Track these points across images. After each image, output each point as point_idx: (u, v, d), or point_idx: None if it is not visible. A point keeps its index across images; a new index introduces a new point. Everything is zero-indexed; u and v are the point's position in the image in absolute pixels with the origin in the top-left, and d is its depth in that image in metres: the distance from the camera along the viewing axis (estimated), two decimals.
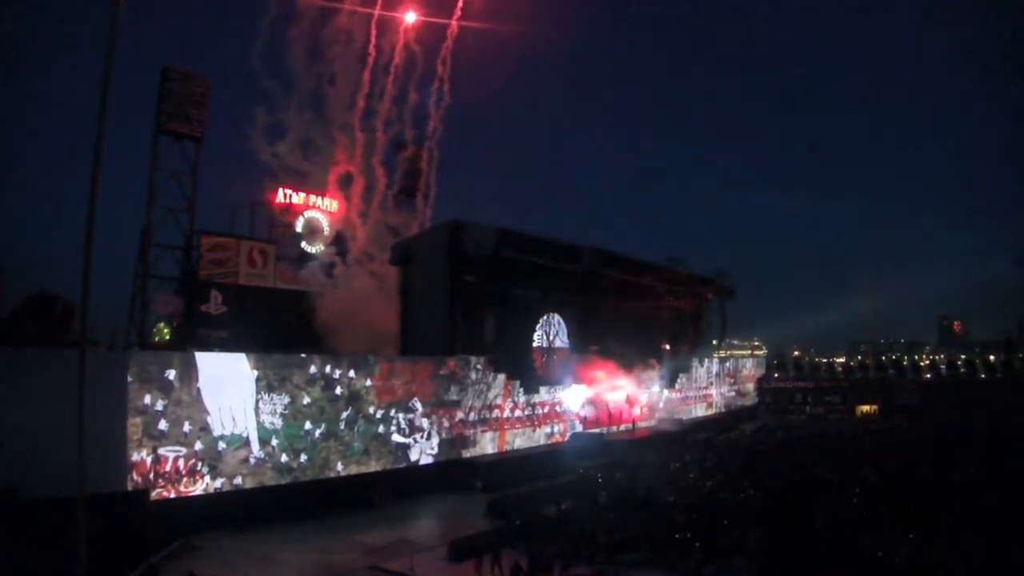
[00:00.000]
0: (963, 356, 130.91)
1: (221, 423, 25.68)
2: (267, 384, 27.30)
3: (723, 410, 66.81)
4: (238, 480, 26.09)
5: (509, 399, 39.10)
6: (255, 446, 26.70)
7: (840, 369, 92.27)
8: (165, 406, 24.20)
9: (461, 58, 48.71)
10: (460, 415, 35.74)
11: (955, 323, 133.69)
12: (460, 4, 46.99)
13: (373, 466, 30.88)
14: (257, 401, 26.90)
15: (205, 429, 25.22)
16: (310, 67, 43.21)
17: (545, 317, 46.56)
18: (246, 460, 26.41)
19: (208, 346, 34.62)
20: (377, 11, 45.38)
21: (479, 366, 37.29)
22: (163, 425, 24.09)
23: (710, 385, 66.04)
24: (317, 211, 46.27)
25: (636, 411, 51.03)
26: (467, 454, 35.90)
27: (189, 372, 25.10)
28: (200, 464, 25.03)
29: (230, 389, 26.07)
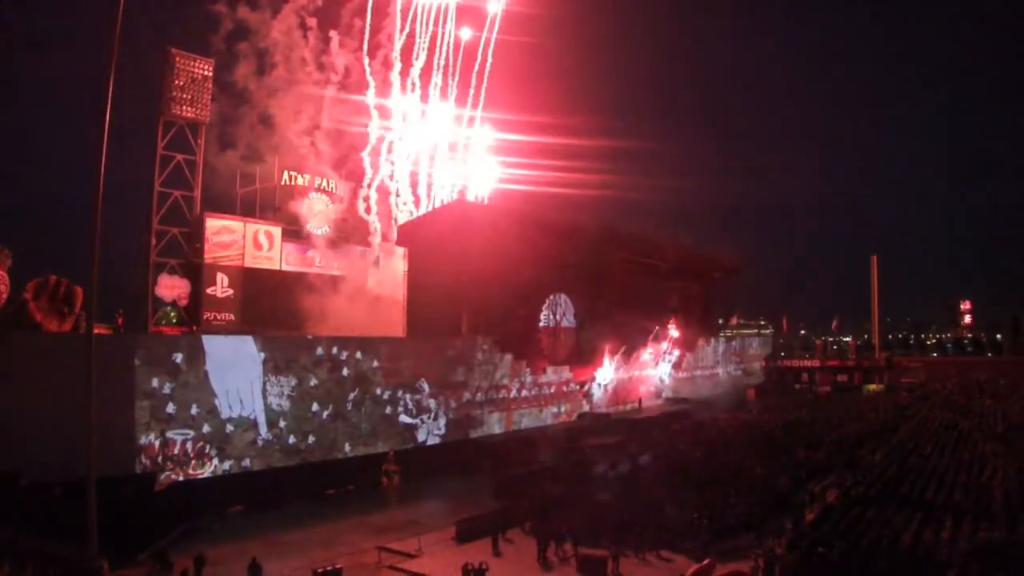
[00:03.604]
0: (969, 335, 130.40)
1: (228, 405, 25.74)
2: (274, 366, 27.32)
3: (729, 389, 66.83)
4: (246, 462, 26.21)
5: (516, 379, 39.12)
6: (263, 428, 26.80)
7: (847, 348, 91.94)
8: (172, 389, 24.24)
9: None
10: (467, 395, 35.79)
11: (962, 304, 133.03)
12: None
13: (381, 447, 30.94)
14: (264, 383, 26.95)
15: (213, 412, 25.28)
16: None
17: (551, 297, 46.45)
18: (254, 442, 26.51)
19: (214, 329, 34.61)
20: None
21: (486, 346, 37.27)
22: (171, 408, 24.14)
23: (716, 364, 66.09)
24: (322, 193, 45.98)
25: (642, 390, 51.07)
26: (474, 434, 36.02)
27: (196, 355, 25.12)
28: (208, 446, 25.12)
29: (237, 371, 26.10)
